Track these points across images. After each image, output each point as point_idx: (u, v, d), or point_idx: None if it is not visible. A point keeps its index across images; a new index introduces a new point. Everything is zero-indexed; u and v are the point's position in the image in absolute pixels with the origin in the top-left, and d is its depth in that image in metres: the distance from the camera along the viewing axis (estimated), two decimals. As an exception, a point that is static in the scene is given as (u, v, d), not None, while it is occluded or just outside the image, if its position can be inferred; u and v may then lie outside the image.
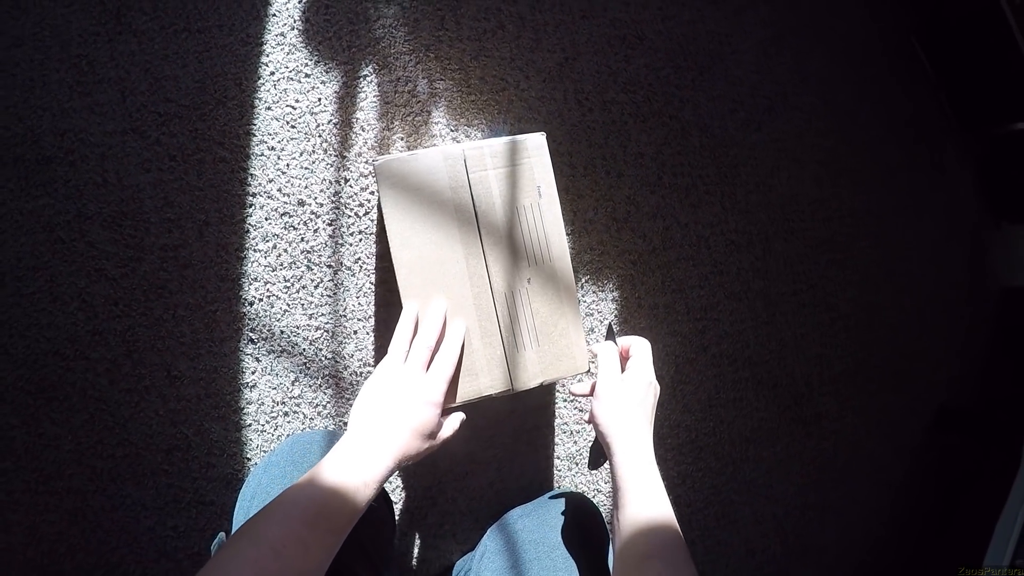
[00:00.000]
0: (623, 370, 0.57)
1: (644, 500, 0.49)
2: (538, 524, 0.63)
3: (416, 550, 0.71)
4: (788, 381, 0.93)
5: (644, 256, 0.82)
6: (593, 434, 0.77)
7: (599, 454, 0.59)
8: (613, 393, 0.54)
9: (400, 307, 0.59)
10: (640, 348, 0.58)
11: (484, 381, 0.58)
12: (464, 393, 0.57)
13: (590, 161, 0.79)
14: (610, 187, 0.80)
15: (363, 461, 0.46)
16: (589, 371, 0.69)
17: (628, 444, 0.52)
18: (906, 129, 1.11)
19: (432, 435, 0.51)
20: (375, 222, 0.70)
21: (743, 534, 0.90)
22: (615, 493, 0.50)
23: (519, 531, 0.64)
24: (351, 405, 0.68)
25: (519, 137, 0.59)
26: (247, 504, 0.54)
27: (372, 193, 0.70)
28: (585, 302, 0.78)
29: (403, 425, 0.49)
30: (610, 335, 0.58)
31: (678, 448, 0.84)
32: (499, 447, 0.74)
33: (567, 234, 0.62)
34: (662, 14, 0.85)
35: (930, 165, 1.14)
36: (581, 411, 0.78)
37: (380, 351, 0.69)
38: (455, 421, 0.56)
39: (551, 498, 0.69)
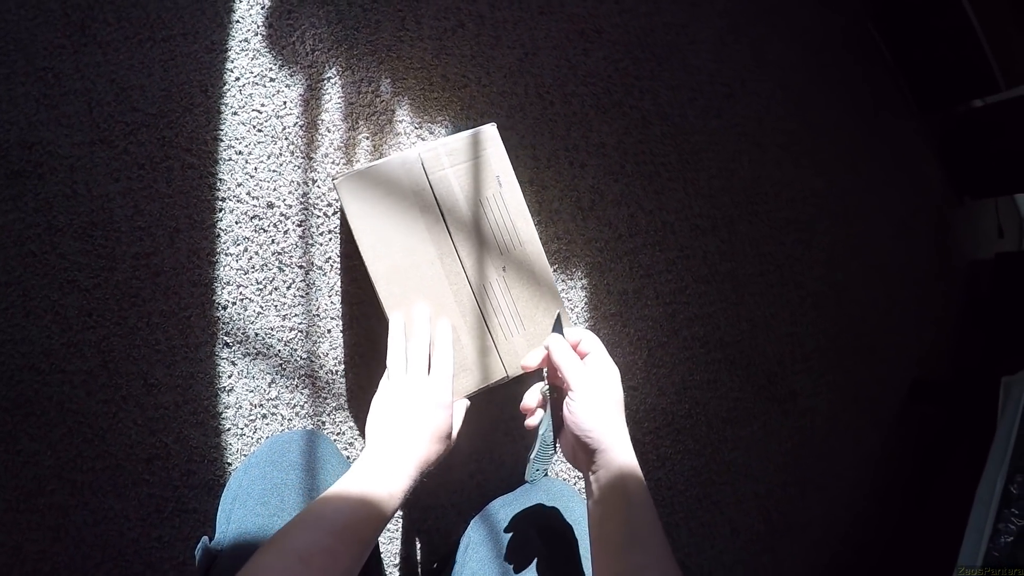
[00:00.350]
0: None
1: (633, 506, 0.46)
2: (520, 512, 0.64)
3: (399, 545, 0.71)
4: (761, 360, 0.95)
5: (611, 243, 0.84)
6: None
7: (546, 458, 0.55)
8: (592, 391, 0.50)
9: (375, 313, 0.60)
10: (594, 340, 0.55)
11: (479, 374, 0.60)
12: (462, 389, 0.59)
13: (553, 153, 0.81)
14: (574, 177, 0.82)
15: (388, 472, 0.47)
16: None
17: (617, 446, 0.48)
18: (865, 111, 1.14)
19: (448, 436, 0.52)
20: (341, 223, 0.71)
21: (726, 514, 0.91)
22: (600, 496, 0.48)
23: (502, 521, 0.65)
24: (329, 404, 0.69)
25: (471, 131, 0.61)
26: (228, 506, 0.55)
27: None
28: (557, 291, 0.80)
29: (422, 432, 0.50)
30: (558, 327, 0.56)
31: (655, 432, 0.86)
32: (478, 439, 0.74)
33: (534, 223, 0.63)
34: (619, 7, 0.87)
35: (890, 144, 1.17)
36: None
37: (354, 348, 0.70)
38: (461, 409, 0.57)
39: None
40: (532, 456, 0.54)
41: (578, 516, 0.61)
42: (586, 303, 0.82)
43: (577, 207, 0.82)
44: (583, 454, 0.49)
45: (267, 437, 0.67)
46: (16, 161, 0.62)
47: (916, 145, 1.21)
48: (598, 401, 0.49)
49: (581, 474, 0.55)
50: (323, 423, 0.69)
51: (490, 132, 0.62)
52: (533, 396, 0.55)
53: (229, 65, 0.69)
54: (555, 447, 0.55)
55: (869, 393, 1.08)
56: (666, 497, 0.87)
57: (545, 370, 0.57)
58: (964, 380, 1.13)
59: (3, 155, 0.61)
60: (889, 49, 1.17)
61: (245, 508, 0.53)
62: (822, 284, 1.02)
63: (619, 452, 0.48)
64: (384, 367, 0.55)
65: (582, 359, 0.54)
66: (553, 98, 0.81)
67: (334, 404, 0.69)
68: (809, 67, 1.06)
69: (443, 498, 0.73)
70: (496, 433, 0.75)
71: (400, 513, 0.71)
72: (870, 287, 1.09)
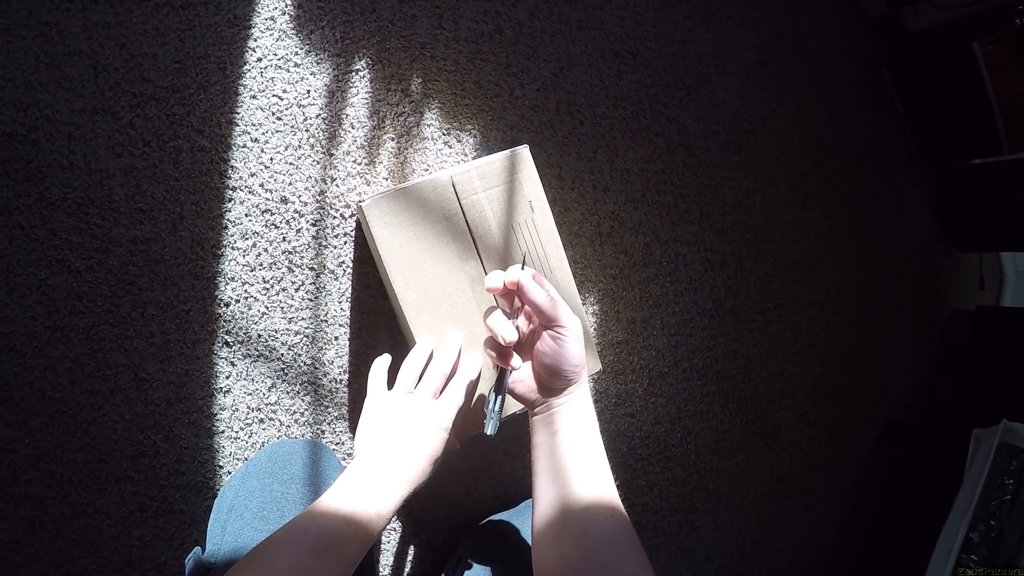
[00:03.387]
0: None
1: (590, 438, 0.48)
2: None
3: (390, 558, 0.71)
4: (752, 396, 0.98)
5: (625, 271, 0.84)
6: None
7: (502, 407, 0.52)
8: (579, 327, 0.50)
9: (385, 323, 0.57)
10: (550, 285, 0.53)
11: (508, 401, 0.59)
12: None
13: (578, 174, 0.80)
14: (596, 201, 0.81)
15: (377, 489, 0.46)
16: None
17: (586, 382, 0.51)
18: (871, 157, 1.17)
19: (439, 460, 0.51)
20: (357, 227, 0.68)
21: (704, 540, 0.94)
22: (559, 426, 0.48)
23: (493, 539, 0.65)
24: (330, 413, 0.67)
25: (503, 153, 0.59)
26: (224, 517, 0.53)
27: (359, 195, 0.68)
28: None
29: (418, 451, 0.49)
30: (524, 263, 0.53)
31: (647, 459, 0.87)
32: (477, 457, 0.74)
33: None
34: (655, 31, 0.86)
35: (891, 191, 1.21)
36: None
37: (360, 357, 0.68)
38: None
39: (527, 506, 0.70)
40: (494, 408, 0.51)
41: None
42: (595, 329, 0.82)
43: (596, 232, 0.81)
44: (556, 386, 0.50)
45: (263, 443, 0.64)
46: (8, 122, 0.57)
47: (914, 194, 1.25)
48: (581, 336, 0.50)
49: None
50: (322, 432, 0.67)
51: (524, 154, 0.60)
52: (509, 329, 0.50)
53: (251, 44, 0.64)
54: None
55: (845, 432, 1.12)
56: (651, 522, 0.88)
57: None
58: (934, 427, 1.18)
59: (-6, 113, 0.56)
60: (900, 97, 1.20)
61: (242, 520, 0.51)
62: (815, 325, 1.05)
63: (585, 387, 0.51)
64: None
65: None
66: (583, 118, 0.80)
67: (335, 414, 0.67)
68: (825, 110, 1.08)
69: (437, 512, 0.72)
70: (495, 453, 0.75)
71: (394, 524, 0.70)
72: (857, 330, 1.13)
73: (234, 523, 0.51)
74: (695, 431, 0.92)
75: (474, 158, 0.73)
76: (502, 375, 0.52)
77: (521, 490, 0.77)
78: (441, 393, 0.53)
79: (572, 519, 0.45)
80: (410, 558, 0.71)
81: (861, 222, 1.14)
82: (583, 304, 0.81)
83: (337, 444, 0.68)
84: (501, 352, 0.51)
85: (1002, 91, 1.03)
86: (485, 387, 0.59)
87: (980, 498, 0.92)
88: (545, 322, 0.49)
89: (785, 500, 1.03)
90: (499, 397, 0.52)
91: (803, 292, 1.04)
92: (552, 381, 0.50)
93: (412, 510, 0.71)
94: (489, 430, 0.52)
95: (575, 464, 0.47)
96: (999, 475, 0.98)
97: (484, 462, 0.74)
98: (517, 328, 0.51)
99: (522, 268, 0.51)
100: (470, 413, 0.58)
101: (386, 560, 0.70)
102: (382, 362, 0.58)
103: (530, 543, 0.63)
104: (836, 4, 1.13)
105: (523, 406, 0.55)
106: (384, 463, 0.48)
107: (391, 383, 0.57)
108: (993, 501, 0.96)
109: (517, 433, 0.76)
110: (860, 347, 1.14)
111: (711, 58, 0.92)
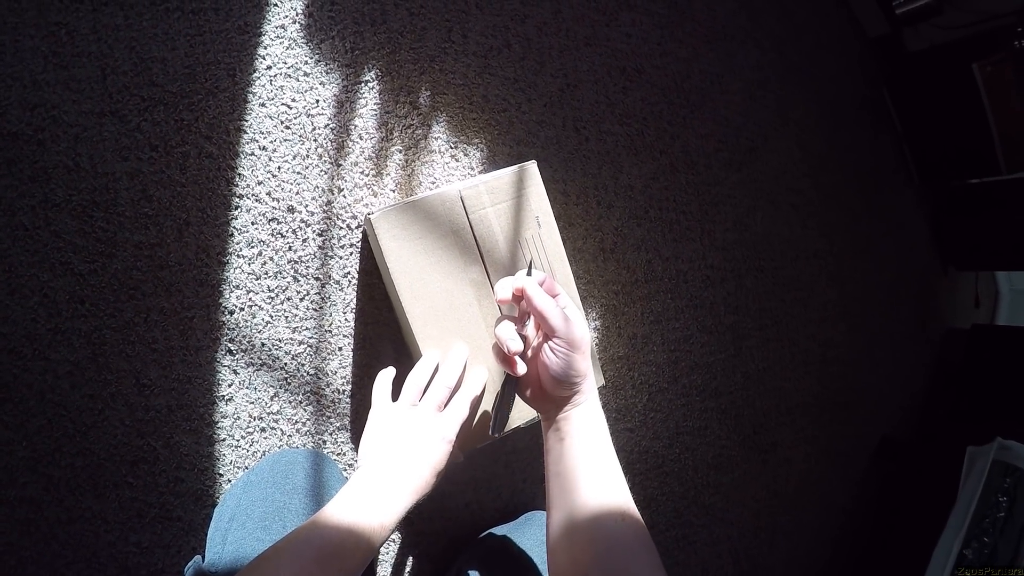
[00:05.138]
0: None
1: (599, 444, 0.48)
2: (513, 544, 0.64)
3: (388, 569, 0.70)
4: (750, 412, 0.98)
5: (627, 287, 0.84)
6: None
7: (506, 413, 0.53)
8: (577, 334, 0.48)
9: (389, 335, 0.57)
10: (555, 283, 0.52)
11: (512, 414, 0.58)
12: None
13: (583, 190, 0.80)
14: (600, 217, 0.82)
15: (381, 501, 0.46)
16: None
17: (591, 389, 0.50)
18: (870, 176, 1.18)
19: (443, 473, 0.51)
20: (363, 239, 0.68)
21: (700, 555, 0.94)
22: (566, 433, 0.48)
23: (493, 552, 0.65)
24: (332, 423, 0.67)
25: (511, 169, 0.60)
26: (225, 526, 0.53)
27: (366, 206, 0.68)
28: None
29: (422, 463, 0.49)
30: (530, 270, 0.52)
31: (645, 474, 0.87)
32: (478, 469, 0.74)
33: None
34: (661, 49, 0.87)
35: (889, 210, 1.22)
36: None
37: (363, 368, 0.68)
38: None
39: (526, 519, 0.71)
40: (499, 408, 0.52)
41: None
42: (597, 344, 0.82)
43: (600, 248, 0.81)
44: (560, 395, 0.49)
45: (264, 452, 0.64)
46: (15, 122, 0.57)
47: (912, 213, 1.27)
48: (582, 345, 0.49)
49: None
50: (324, 442, 0.66)
51: (532, 170, 0.61)
52: (515, 340, 0.49)
53: (261, 51, 0.65)
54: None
55: (840, 448, 1.13)
56: (646, 536, 0.88)
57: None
58: (929, 443, 1.19)
59: (1, 113, 0.56)
60: (899, 116, 1.21)
61: (244, 530, 0.51)
62: (812, 342, 1.06)
63: (593, 394, 0.50)
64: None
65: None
66: (589, 134, 0.81)
67: (337, 424, 0.67)
68: (826, 128, 1.09)
69: (437, 524, 0.72)
70: (496, 465, 0.75)
71: (393, 535, 0.70)
72: (853, 347, 1.14)
73: (235, 532, 0.51)
74: (693, 446, 0.92)
75: (481, 172, 0.73)
76: (508, 379, 0.52)
77: (521, 503, 0.77)
78: (446, 406, 0.54)
79: (582, 524, 0.45)
80: (408, 569, 0.71)
81: (859, 240, 1.15)
82: (586, 319, 0.81)
83: (339, 455, 0.68)
84: (505, 360, 0.51)
85: (1000, 112, 1.05)
86: (489, 401, 0.59)
87: (974, 515, 0.93)
88: (547, 331, 0.49)
89: (780, 516, 1.03)
90: (504, 400, 0.52)
91: (801, 309, 1.05)
92: (555, 389, 0.49)
93: (411, 521, 0.71)
94: (492, 431, 0.53)
95: (583, 470, 0.47)
96: (993, 492, 0.99)
97: (485, 474, 0.74)
98: (524, 337, 0.51)
99: (528, 274, 0.51)
100: (474, 426, 0.58)
101: (384, 571, 0.70)
102: (387, 374, 0.59)
103: (529, 556, 0.63)
104: (838, 23, 1.14)
105: (526, 422, 0.56)
106: (388, 475, 0.48)
107: (395, 395, 0.57)
108: (987, 518, 0.97)
109: (518, 446, 0.76)
110: (857, 364, 1.15)
111: (715, 76, 0.93)
